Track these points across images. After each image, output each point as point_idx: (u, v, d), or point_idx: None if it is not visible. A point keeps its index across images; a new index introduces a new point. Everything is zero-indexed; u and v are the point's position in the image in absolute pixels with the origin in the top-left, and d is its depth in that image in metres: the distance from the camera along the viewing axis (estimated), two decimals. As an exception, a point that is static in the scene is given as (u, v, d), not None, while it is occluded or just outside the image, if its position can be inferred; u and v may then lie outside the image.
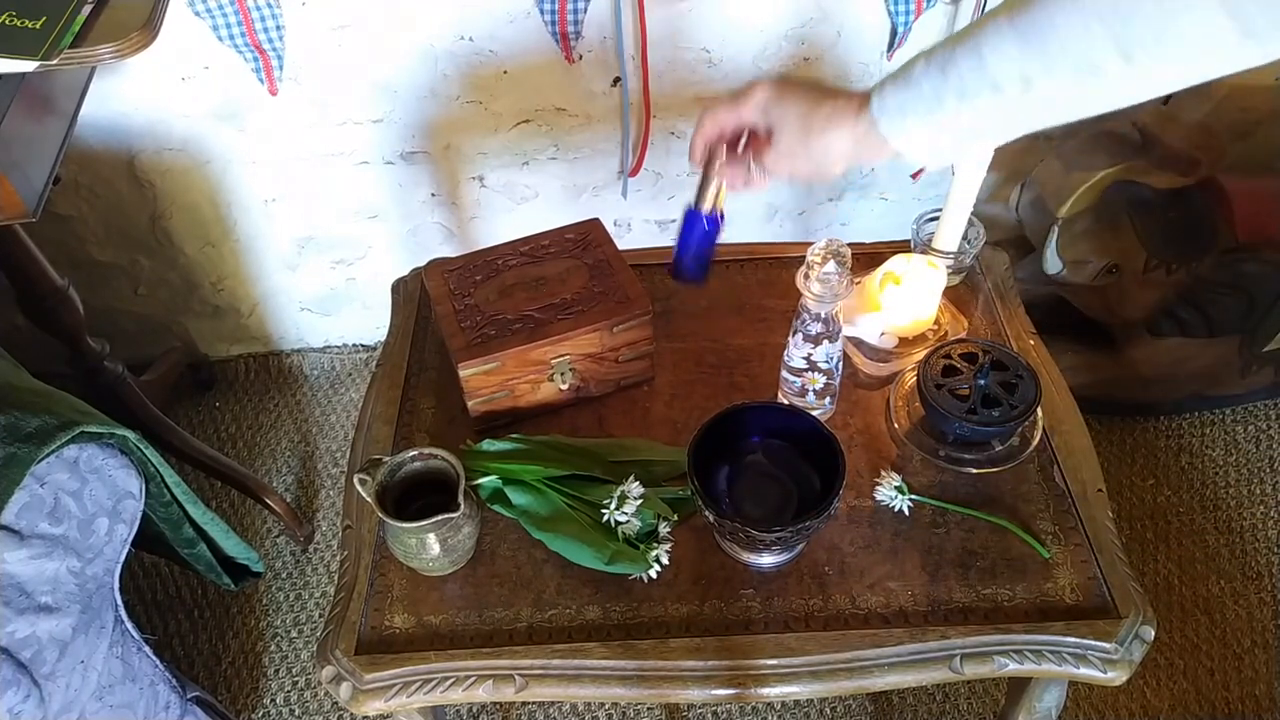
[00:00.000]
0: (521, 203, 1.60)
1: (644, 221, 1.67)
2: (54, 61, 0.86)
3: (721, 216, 0.79)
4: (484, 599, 0.86)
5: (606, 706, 1.37)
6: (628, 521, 0.86)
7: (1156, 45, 0.48)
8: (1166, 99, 1.50)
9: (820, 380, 0.92)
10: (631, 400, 1.02)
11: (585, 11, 1.32)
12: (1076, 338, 1.60)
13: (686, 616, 0.84)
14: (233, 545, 1.20)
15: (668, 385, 1.03)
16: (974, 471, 0.92)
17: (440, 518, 0.80)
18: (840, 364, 0.92)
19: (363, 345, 1.83)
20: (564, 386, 0.98)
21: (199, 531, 1.15)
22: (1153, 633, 0.81)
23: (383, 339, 1.12)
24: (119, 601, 1.02)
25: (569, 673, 0.81)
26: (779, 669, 0.80)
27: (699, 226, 0.80)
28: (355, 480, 0.86)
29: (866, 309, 1.02)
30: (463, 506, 0.81)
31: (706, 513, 0.81)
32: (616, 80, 1.42)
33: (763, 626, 0.83)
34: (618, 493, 0.86)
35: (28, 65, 0.86)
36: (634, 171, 1.55)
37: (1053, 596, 0.84)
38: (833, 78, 1.46)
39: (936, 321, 1.04)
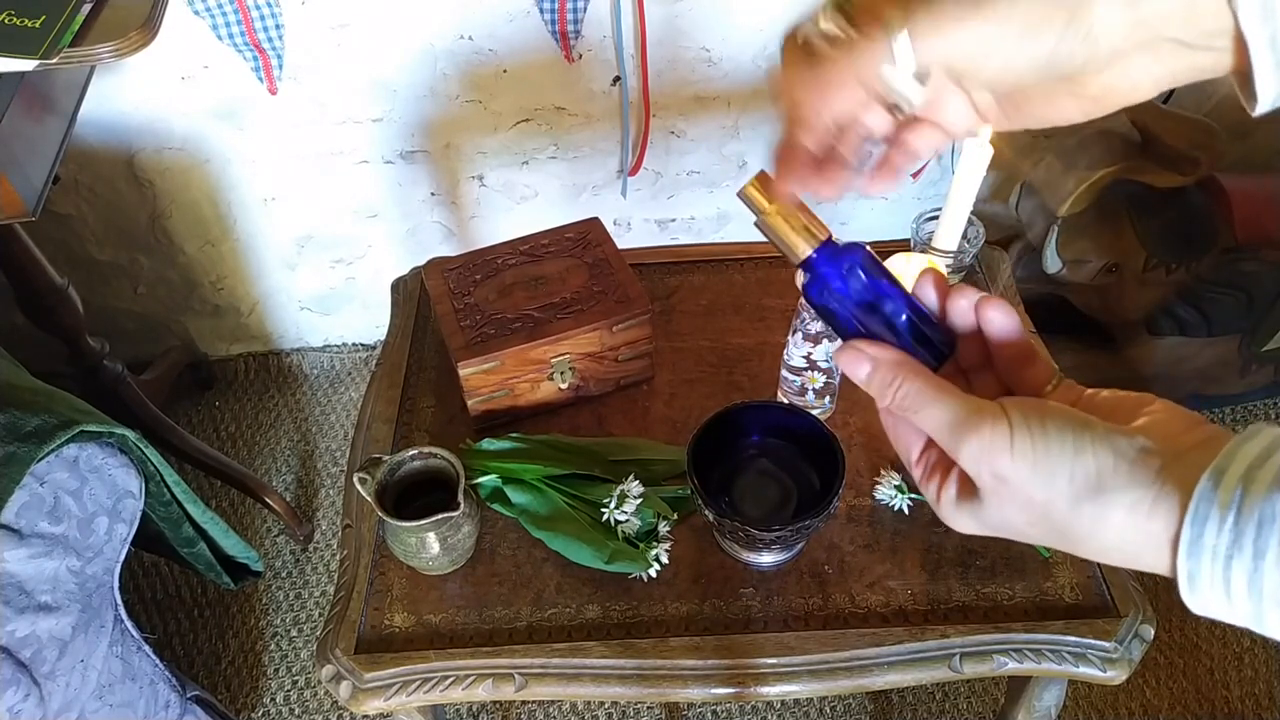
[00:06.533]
0: (521, 202, 1.60)
1: (644, 221, 1.67)
2: (53, 60, 0.86)
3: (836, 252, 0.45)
4: (484, 598, 0.86)
5: (606, 705, 1.37)
6: (627, 520, 0.86)
7: None
8: (1166, 98, 1.50)
9: (820, 379, 0.92)
10: (631, 399, 1.01)
11: (585, 10, 1.32)
12: (1076, 337, 1.60)
13: (686, 615, 0.84)
14: (232, 544, 1.20)
15: (667, 384, 1.03)
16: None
17: (440, 517, 0.80)
18: (840, 363, 0.92)
19: (362, 344, 1.83)
20: (564, 386, 0.98)
21: (199, 530, 1.15)
22: (1152, 631, 0.81)
23: (382, 338, 1.12)
24: (119, 600, 1.02)
25: (568, 672, 0.81)
26: (778, 668, 0.80)
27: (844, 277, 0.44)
28: (355, 479, 0.86)
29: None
30: (462, 505, 0.81)
31: (706, 512, 0.81)
32: (616, 79, 1.42)
33: (762, 625, 0.83)
34: (617, 492, 0.86)
35: (27, 64, 0.86)
36: (634, 171, 1.55)
37: (1052, 595, 0.84)
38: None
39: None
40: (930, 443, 0.42)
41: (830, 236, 0.44)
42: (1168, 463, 0.35)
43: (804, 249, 0.44)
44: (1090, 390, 0.40)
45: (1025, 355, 0.42)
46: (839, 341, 0.44)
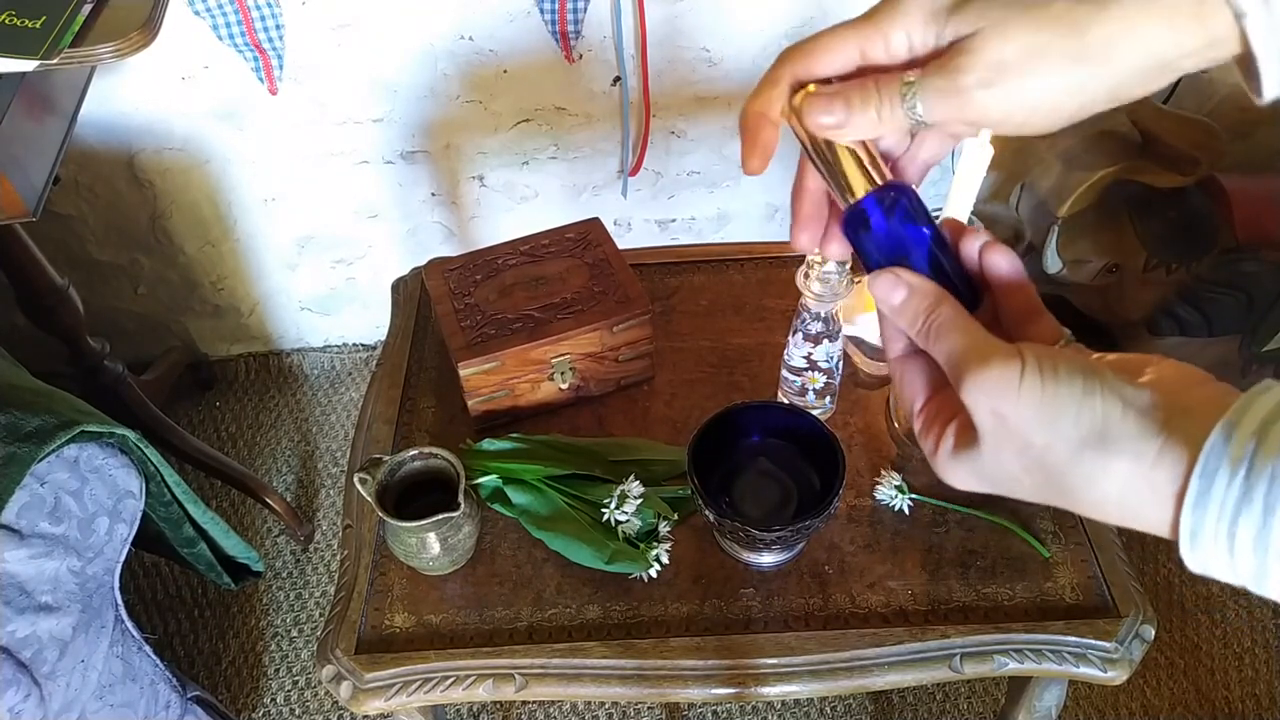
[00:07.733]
0: (521, 202, 1.60)
1: (644, 221, 1.67)
2: (54, 61, 0.86)
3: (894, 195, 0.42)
4: (484, 598, 0.86)
5: (606, 706, 1.37)
6: (627, 521, 0.86)
7: None
8: (1166, 98, 1.50)
9: (820, 380, 0.92)
10: (631, 400, 1.01)
11: (585, 11, 1.32)
12: (1076, 337, 1.60)
13: (686, 616, 0.84)
14: (233, 544, 1.20)
15: (667, 385, 1.03)
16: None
17: (440, 517, 0.80)
18: (840, 363, 0.92)
19: (363, 345, 1.83)
20: (564, 386, 0.98)
21: (199, 531, 1.15)
22: (1153, 632, 0.81)
23: (383, 338, 1.12)
24: (119, 601, 1.02)
25: (569, 672, 0.81)
26: (779, 668, 0.80)
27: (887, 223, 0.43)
28: (355, 480, 0.86)
29: (867, 308, 1.02)
30: (463, 506, 0.81)
31: (706, 512, 0.81)
32: (616, 79, 1.42)
33: (762, 626, 0.83)
34: (618, 492, 0.86)
35: (27, 65, 0.86)
36: (634, 171, 1.55)
37: (1053, 596, 0.84)
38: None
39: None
40: (933, 395, 0.42)
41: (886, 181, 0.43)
42: (1174, 415, 0.35)
43: (860, 191, 0.42)
44: (1097, 355, 0.40)
45: (1031, 309, 0.42)
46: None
